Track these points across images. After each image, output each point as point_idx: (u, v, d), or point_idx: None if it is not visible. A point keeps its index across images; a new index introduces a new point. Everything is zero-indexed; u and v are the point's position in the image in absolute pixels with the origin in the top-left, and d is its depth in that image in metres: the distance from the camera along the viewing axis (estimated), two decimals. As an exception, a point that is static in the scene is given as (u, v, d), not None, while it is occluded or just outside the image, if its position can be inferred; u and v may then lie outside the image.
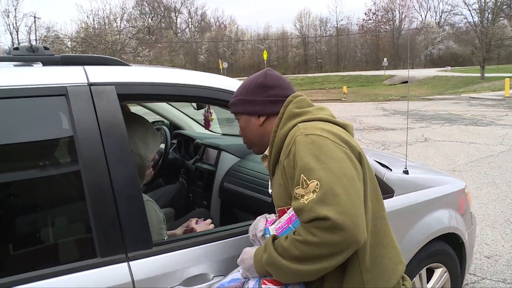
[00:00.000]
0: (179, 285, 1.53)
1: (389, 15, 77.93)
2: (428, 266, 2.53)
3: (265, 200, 2.42)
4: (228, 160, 3.06)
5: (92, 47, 31.80)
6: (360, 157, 1.40)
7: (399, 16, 77.74)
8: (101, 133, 1.47)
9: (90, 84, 1.52)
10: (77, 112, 1.45)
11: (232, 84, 1.84)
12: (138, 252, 1.47)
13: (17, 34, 60.37)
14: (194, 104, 3.03)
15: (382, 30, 78.15)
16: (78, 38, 35.84)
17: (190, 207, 3.25)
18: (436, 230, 2.45)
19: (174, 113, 3.99)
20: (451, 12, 50.69)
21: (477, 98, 21.44)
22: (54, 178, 1.50)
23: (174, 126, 4.08)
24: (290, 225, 1.39)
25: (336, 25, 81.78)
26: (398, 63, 70.20)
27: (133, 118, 1.89)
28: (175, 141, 3.92)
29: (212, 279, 1.60)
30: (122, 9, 42.13)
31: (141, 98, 2.08)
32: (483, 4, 32.31)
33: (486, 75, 31.35)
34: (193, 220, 2.07)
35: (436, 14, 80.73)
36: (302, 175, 1.27)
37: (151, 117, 3.73)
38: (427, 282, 2.58)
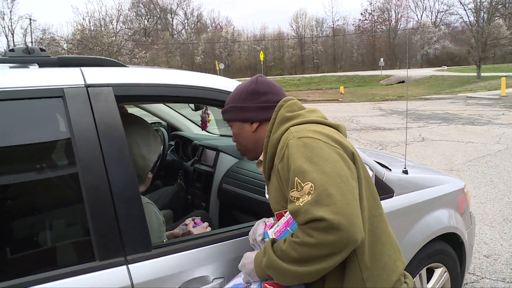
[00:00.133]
0: (178, 287, 1.51)
1: (385, 15, 78.08)
2: (428, 266, 2.52)
3: (264, 201, 2.41)
4: (226, 161, 3.04)
5: (88, 49, 31.69)
6: (353, 157, 1.41)
7: (395, 16, 77.93)
8: (99, 135, 1.45)
9: (87, 86, 1.50)
10: (74, 114, 1.44)
11: (230, 84, 1.83)
12: (137, 255, 1.46)
13: (13, 37, 60.26)
14: (192, 105, 3.02)
15: (378, 30, 78.28)
16: (74, 40, 35.70)
17: (188, 208, 3.24)
18: (436, 230, 2.44)
19: (172, 114, 3.98)
20: (447, 12, 50.81)
21: (474, 97, 21.50)
22: (52, 181, 1.48)
23: (171, 128, 4.07)
24: (288, 228, 1.39)
25: (332, 26, 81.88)
26: (394, 63, 70.34)
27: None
28: (172, 143, 3.91)
29: (212, 281, 1.58)
30: (118, 11, 42.04)
31: (139, 100, 2.07)
32: (479, 3, 32.42)
33: (482, 74, 31.48)
34: (191, 223, 2.06)
35: (432, 13, 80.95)
36: (296, 178, 1.28)
37: (148, 119, 3.71)
38: (427, 282, 2.57)
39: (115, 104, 1.52)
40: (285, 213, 1.45)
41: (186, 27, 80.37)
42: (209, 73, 2.02)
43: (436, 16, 76.57)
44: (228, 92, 1.75)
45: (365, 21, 79.75)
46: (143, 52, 36.17)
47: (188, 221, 2.11)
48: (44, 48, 1.68)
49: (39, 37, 50.02)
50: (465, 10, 34.10)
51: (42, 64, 1.61)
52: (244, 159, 3.00)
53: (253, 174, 2.69)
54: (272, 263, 1.31)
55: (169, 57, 65.86)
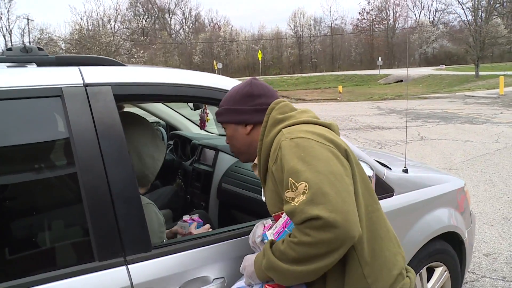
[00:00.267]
0: (179, 288, 1.50)
1: (383, 14, 78.17)
2: (429, 265, 2.52)
3: (264, 201, 2.40)
4: (225, 161, 3.03)
5: (86, 49, 31.65)
6: (346, 154, 1.41)
7: (393, 15, 78.03)
8: (98, 134, 1.44)
9: (86, 85, 1.49)
10: (73, 114, 1.43)
11: (229, 83, 1.82)
12: (136, 255, 1.45)
13: (10, 37, 60.19)
14: (191, 104, 3.00)
15: (376, 30, 78.37)
16: (72, 40, 35.66)
17: (188, 208, 3.23)
18: (436, 229, 2.44)
19: (170, 113, 3.97)
20: (445, 11, 50.97)
21: (472, 96, 21.51)
22: (51, 181, 1.47)
23: (170, 127, 4.06)
24: (286, 229, 1.40)
25: (330, 25, 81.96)
26: (392, 62, 70.44)
27: (141, 120, 1.90)
28: (171, 142, 3.89)
29: (212, 281, 1.58)
30: (116, 10, 42.04)
31: (137, 99, 2.06)
32: (477, 2, 32.46)
33: (480, 73, 31.50)
34: (193, 226, 2.05)
35: (430, 13, 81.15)
36: (290, 179, 1.28)
37: (147, 118, 3.69)
38: (428, 281, 2.56)
39: (114, 104, 1.51)
40: (282, 214, 1.45)
41: (184, 27, 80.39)
42: (207, 72, 2.01)
43: (434, 15, 76.86)
44: (227, 91, 1.74)
45: (363, 20, 79.99)
46: (141, 51, 36.18)
47: (186, 217, 2.11)
48: (42, 47, 1.67)
49: (37, 37, 49.89)
50: (463, 9, 34.22)
51: (40, 63, 1.60)
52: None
53: (253, 174, 2.67)
54: (271, 264, 1.32)
55: (167, 56, 65.84)
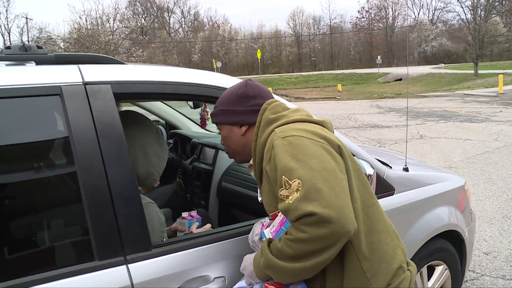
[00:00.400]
0: (179, 287, 1.50)
1: (382, 13, 78.15)
2: (429, 263, 2.51)
3: (260, 201, 2.40)
4: (225, 159, 3.02)
5: (85, 48, 31.63)
6: (340, 150, 1.41)
7: (392, 14, 77.99)
8: (97, 133, 1.44)
9: (85, 83, 1.48)
10: (72, 112, 1.42)
11: (229, 81, 1.81)
12: (136, 255, 1.44)
13: (9, 36, 60.04)
14: (191, 103, 2.99)
15: (375, 28, 78.35)
16: (71, 39, 35.64)
17: (187, 207, 3.21)
18: (437, 227, 2.43)
19: (170, 112, 3.95)
20: (444, 9, 51.00)
21: (471, 94, 21.52)
22: (50, 180, 1.46)
23: (170, 126, 4.05)
24: (283, 227, 1.41)
25: (329, 24, 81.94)
26: (391, 60, 70.49)
27: (145, 120, 1.90)
28: (171, 141, 3.88)
29: (213, 280, 1.57)
30: (115, 9, 42.06)
31: (137, 97, 2.05)
32: (476, 1, 32.48)
33: (479, 71, 31.51)
34: (194, 225, 2.05)
35: (429, 11, 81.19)
36: (283, 177, 1.29)
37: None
38: (428, 280, 2.56)
39: (113, 102, 1.50)
40: (279, 213, 1.45)
41: (183, 26, 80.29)
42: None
43: (433, 14, 76.93)
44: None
45: (362, 19, 79.96)
46: (140, 50, 36.17)
47: (185, 214, 2.12)
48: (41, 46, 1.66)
49: (36, 36, 49.84)
50: (462, 7, 34.30)
51: (39, 62, 1.59)
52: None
53: (253, 173, 2.67)
54: (269, 263, 1.32)
55: (166, 55, 65.80)
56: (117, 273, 1.39)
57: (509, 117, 12.90)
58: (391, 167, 2.37)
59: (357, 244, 1.36)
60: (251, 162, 1.60)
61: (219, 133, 3.90)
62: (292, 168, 1.28)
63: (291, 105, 1.79)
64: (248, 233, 1.63)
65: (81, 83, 1.47)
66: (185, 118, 4.01)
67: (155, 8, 76.31)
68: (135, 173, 1.51)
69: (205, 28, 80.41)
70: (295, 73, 58.95)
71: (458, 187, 2.70)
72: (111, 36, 34.90)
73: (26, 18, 55.94)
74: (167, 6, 77.76)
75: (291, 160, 1.30)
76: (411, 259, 2.30)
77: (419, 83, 33.43)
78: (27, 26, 55.87)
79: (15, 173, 1.42)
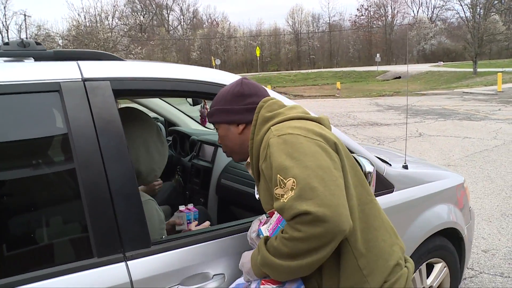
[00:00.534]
0: (178, 284, 1.50)
1: (381, 11, 78.07)
2: (428, 261, 2.51)
3: (258, 198, 2.39)
4: (224, 157, 2.98)
5: (83, 45, 31.49)
6: (336, 147, 1.41)
7: (391, 12, 77.90)
8: (97, 130, 1.43)
9: (84, 80, 1.47)
10: (71, 109, 1.41)
11: (229, 78, 1.81)
12: (136, 252, 1.44)
13: (7, 33, 59.89)
14: (190, 100, 2.99)
15: (374, 26, 78.27)
16: (70, 36, 35.48)
17: (187, 204, 3.21)
18: (436, 225, 2.44)
19: (169, 109, 3.95)
20: (443, 7, 50.94)
21: (470, 93, 21.52)
22: (49, 177, 1.46)
23: (169, 123, 4.04)
24: (279, 225, 1.41)
25: (328, 21, 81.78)
26: (390, 58, 70.42)
27: (145, 116, 1.91)
28: (170, 138, 3.88)
29: (212, 277, 1.57)
30: (114, 6, 41.92)
31: (137, 94, 2.04)
32: (475, -1, 32.44)
33: (478, 70, 31.49)
34: (193, 223, 2.05)
35: (428, 9, 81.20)
36: (278, 175, 1.29)
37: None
38: (427, 277, 2.56)
39: (113, 99, 1.49)
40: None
41: (182, 23, 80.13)
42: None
43: (433, 12, 76.85)
44: (226, 86, 1.73)
45: (361, 17, 79.81)
46: (139, 48, 36.07)
47: (182, 207, 2.13)
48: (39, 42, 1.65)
49: (34, 33, 49.68)
50: (461, 5, 34.39)
51: (38, 58, 1.58)
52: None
53: (252, 170, 2.67)
54: (266, 261, 1.33)
55: (165, 53, 65.63)
56: (116, 270, 1.39)
57: (508, 115, 12.91)
58: (390, 165, 2.37)
59: (353, 242, 1.36)
60: (248, 160, 1.60)
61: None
62: (287, 167, 1.28)
63: (288, 102, 1.79)
64: (247, 231, 1.63)
65: (80, 80, 1.47)
66: (184, 115, 4.01)
67: (153, 6, 76.13)
68: (134, 170, 1.50)
69: (204, 25, 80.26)
70: (294, 71, 58.85)
71: (458, 184, 2.70)
72: (110, 34, 34.76)
73: (25, 15, 55.84)
74: (166, 4, 77.62)
75: (286, 159, 1.30)
76: (410, 257, 2.31)
77: (418, 81, 33.42)
78: (26, 23, 55.77)
79: (13, 170, 1.42)
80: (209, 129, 3.91)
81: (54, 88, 1.42)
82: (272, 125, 1.44)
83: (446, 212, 2.53)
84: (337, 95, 25.41)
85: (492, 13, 35.46)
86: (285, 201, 1.24)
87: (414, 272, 2.43)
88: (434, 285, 2.59)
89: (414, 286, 2.47)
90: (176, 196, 3.34)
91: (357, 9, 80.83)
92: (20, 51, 1.56)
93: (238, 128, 1.58)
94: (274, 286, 1.39)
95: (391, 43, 73.23)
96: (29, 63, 1.51)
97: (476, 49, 31.18)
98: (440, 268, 2.59)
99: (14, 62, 1.51)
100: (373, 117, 14.30)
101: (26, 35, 53.57)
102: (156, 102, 3.80)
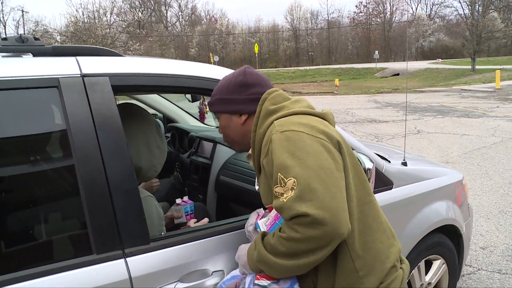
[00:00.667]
0: (177, 281, 1.49)
1: (380, 8, 77.99)
2: (427, 258, 2.52)
3: (258, 190, 2.39)
4: (223, 153, 3.01)
5: (82, 41, 31.42)
6: (339, 145, 1.39)
7: (390, 9, 77.85)
8: (95, 126, 1.42)
9: (83, 75, 1.47)
10: (70, 105, 1.40)
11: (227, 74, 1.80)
12: (135, 248, 1.43)
13: (5, 29, 59.60)
14: (189, 96, 2.98)
15: (373, 23, 78.19)
16: (68, 32, 35.41)
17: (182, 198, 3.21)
18: (435, 222, 2.44)
19: (167, 105, 3.94)
20: (441, 5, 50.77)
21: (469, 90, 21.56)
22: (48, 174, 1.45)
23: (167, 119, 4.03)
24: (277, 222, 1.40)
25: (327, 18, 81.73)
26: (389, 55, 70.44)
27: (144, 112, 1.90)
28: (169, 135, 3.87)
29: (211, 274, 1.56)
30: (112, 2, 41.82)
31: (136, 90, 2.04)
32: (473, -4, 32.43)
33: (476, 67, 31.55)
34: (192, 221, 2.05)
35: (426, 6, 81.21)
36: (279, 174, 1.27)
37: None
38: (425, 274, 2.57)
39: (112, 94, 1.49)
40: None
41: (180, 20, 79.97)
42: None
43: (431, 9, 76.67)
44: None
45: (360, 14, 79.76)
46: (137, 44, 36.00)
47: (179, 200, 2.14)
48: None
49: (32, 29, 49.46)
50: (460, 2, 34.35)
51: (36, 54, 1.57)
52: (242, 151, 2.97)
53: (251, 166, 2.66)
54: (262, 257, 1.32)
55: (163, 49, 65.46)
56: (115, 266, 1.39)
57: (506, 112, 12.94)
58: (389, 162, 2.37)
59: (351, 243, 1.35)
60: (250, 151, 1.58)
61: (217, 127, 3.90)
62: (289, 165, 1.26)
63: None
64: (246, 227, 1.62)
65: (79, 75, 1.46)
66: (183, 112, 4.00)
67: (152, 2, 75.86)
68: (133, 166, 1.49)
69: (203, 22, 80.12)
70: (292, 68, 58.87)
71: (456, 181, 2.70)
72: (108, 30, 34.73)
73: (22, 11, 55.66)
74: (164, 0, 77.40)
75: (288, 157, 1.27)
76: (409, 254, 2.32)
77: (417, 78, 33.43)
78: (23, 19, 55.56)
79: (12, 166, 1.41)
80: (208, 125, 3.91)
81: (52, 84, 1.41)
82: (276, 119, 1.41)
83: (444, 209, 2.54)
84: (335, 92, 25.41)
85: (491, 11, 35.47)
86: (285, 201, 1.23)
87: (413, 269, 2.43)
88: (432, 281, 2.60)
89: (413, 284, 2.48)
90: (175, 193, 3.33)
91: (356, 6, 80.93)
92: (19, 46, 1.55)
93: (240, 118, 1.54)
94: (269, 281, 1.38)
95: (389, 40, 73.24)
96: (28, 59, 1.50)
97: (474, 47, 31.20)
98: (438, 265, 2.60)
99: (12, 58, 1.50)
100: (371, 114, 14.31)
101: (24, 31, 53.33)
102: (154, 99, 3.79)
